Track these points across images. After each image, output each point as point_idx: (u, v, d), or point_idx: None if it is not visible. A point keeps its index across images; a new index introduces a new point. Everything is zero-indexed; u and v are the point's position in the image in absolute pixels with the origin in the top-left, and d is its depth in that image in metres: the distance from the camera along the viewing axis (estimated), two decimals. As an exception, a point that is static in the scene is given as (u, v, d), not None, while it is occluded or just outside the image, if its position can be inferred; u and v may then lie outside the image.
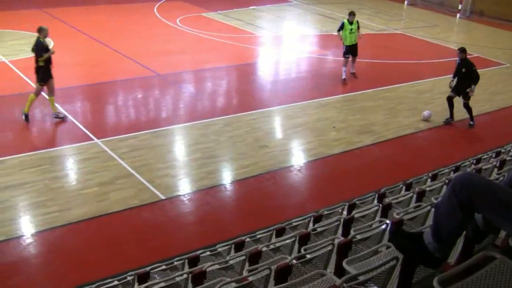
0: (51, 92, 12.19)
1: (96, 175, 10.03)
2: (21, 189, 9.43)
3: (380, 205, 6.65)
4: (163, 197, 9.44)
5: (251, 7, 25.98)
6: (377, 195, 8.04)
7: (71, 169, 10.40)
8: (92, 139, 11.44)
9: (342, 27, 16.05)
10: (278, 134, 12.78)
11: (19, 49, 16.89)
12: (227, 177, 10.50)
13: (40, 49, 11.74)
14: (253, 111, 13.53)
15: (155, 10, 24.07)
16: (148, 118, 13.14)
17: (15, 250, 7.93)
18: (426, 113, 13.65)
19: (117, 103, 14.14)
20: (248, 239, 7.11)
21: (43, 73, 11.87)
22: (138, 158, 10.73)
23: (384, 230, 4.90)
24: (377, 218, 6.12)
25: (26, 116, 12.07)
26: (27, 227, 8.44)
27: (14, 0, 23.14)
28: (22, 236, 8.22)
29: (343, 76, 16.00)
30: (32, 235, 8.27)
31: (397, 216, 5.19)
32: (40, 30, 11.84)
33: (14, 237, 8.15)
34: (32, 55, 12.00)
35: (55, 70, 12.24)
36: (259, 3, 27.04)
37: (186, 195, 9.66)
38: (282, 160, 11.22)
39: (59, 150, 11.13)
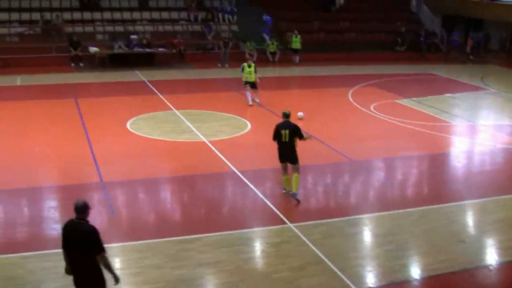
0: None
1: (288, 259, 10.50)
2: (214, 268, 10.17)
3: None
4: (354, 288, 9.61)
5: (446, 95, 25.84)
6: None
7: (264, 252, 11.01)
8: (285, 223, 12.03)
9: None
10: (476, 228, 12.42)
11: (218, 129, 18.47)
12: (421, 272, 10.38)
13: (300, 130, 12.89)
14: (449, 204, 13.33)
15: (350, 95, 24.94)
16: (341, 205, 13.53)
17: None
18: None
19: (309, 188, 14.72)
20: None
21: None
22: (330, 246, 11.06)
23: None
24: None
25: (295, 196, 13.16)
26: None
27: (214, 83, 25.31)
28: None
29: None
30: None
31: None
32: (289, 115, 13.05)
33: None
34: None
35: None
36: (455, 91, 26.83)
37: (378, 288, 9.73)
38: (480, 257, 10.87)
39: (253, 232, 11.85)
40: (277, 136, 12.96)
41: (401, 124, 20.19)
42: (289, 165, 13.15)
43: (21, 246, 10.86)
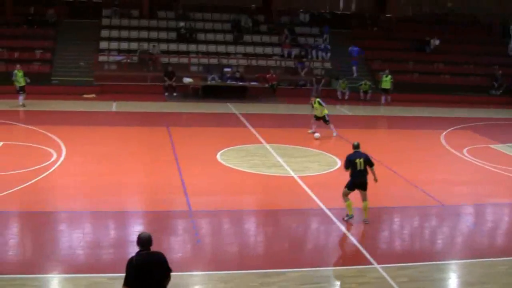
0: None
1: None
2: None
3: None
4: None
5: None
6: None
7: (349, 292, 10.88)
8: (371, 263, 11.86)
9: None
10: None
11: (307, 165, 18.53)
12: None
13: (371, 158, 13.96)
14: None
15: (442, 138, 24.44)
16: (428, 249, 13.21)
17: None
18: None
19: (396, 230, 14.52)
20: None
21: None
22: (417, 291, 10.79)
23: None
24: None
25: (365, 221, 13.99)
26: None
27: (305, 119, 25.38)
28: None
29: None
30: None
31: None
32: (358, 146, 14.04)
33: None
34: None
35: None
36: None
37: None
38: None
39: (337, 270, 11.80)
40: (351, 165, 13.83)
41: (495, 170, 19.56)
42: (361, 192, 13.89)
43: (109, 267, 11.24)
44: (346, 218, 14.02)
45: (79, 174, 17.00)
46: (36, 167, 17.25)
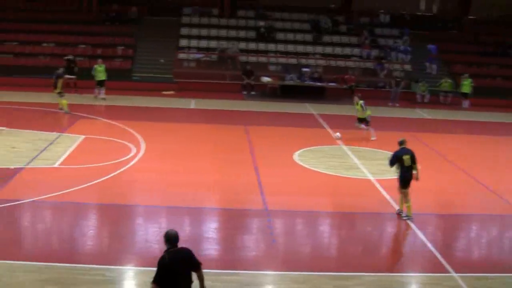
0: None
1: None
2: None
3: None
4: None
5: None
6: None
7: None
8: (448, 271, 11.57)
9: None
10: None
11: (385, 168, 18.24)
12: None
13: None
14: None
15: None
16: (508, 259, 12.78)
17: None
18: None
19: (474, 238, 14.17)
20: None
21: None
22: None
23: None
24: None
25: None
26: None
27: (383, 121, 25.03)
28: None
29: None
30: None
31: None
32: (404, 142, 14.35)
33: None
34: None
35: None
36: None
37: None
38: None
39: (412, 277, 11.63)
40: (398, 162, 14.10)
41: None
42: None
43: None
44: (405, 218, 14.06)
45: (157, 170, 17.38)
46: (116, 161, 17.77)
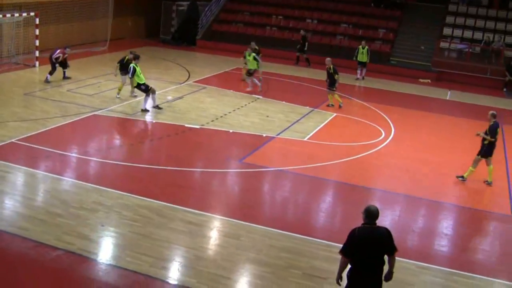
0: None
1: None
2: None
3: None
4: None
5: None
6: None
7: None
8: None
9: None
10: None
11: None
12: None
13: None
14: None
15: None
16: None
17: None
18: None
19: None
20: None
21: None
22: None
23: None
24: None
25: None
26: None
27: None
28: None
29: None
30: None
31: None
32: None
33: None
34: None
35: None
36: None
37: None
38: None
39: None
40: (496, 134, 15.31)
41: None
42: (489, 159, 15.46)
43: (414, 254, 11.34)
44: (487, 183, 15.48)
45: (404, 157, 17.35)
46: (364, 143, 18.05)
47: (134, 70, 19.61)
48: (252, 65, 23.52)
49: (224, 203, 13.26)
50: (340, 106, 22.23)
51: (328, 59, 22.16)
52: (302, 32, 31.98)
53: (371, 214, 7.91)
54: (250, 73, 23.67)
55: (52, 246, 10.43)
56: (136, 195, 12.87)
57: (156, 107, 19.91)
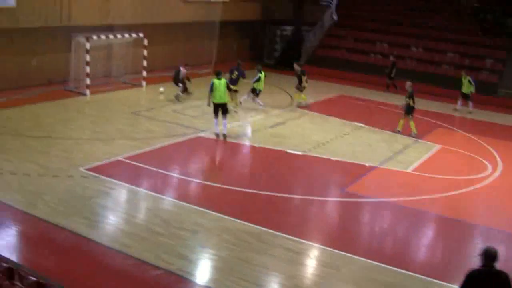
0: None
1: None
2: None
3: None
4: None
5: None
6: None
7: None
8: None
9: None
10: None
11: None
12: None
13: None
14: None
15: None
16: None
17: None
18: None
19: None
20: None
21: None
22: None
23: None
24: None
25: None
26: None
27: None
28: None
29: None
30: None
31: None
32: None
33: None
34: None
35: None
36: None
37: None
38: None
39: None
40: None
41: None
42: None
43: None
44: None
45: (509, 193, 16.70)
46: (469, 177, 17.55)
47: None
48: (260, 86, 24.06)
49: (324, 232, 13.31)
50: (411, 135, 21.76)
51: (408, 83, 21.94)
52: (392, 57, 31.62)
53: (489, 255, 7.78)
54: (256, 93, 24.27)
55: (152, 264, 10.81)
56: (236, 218, 13.14)
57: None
